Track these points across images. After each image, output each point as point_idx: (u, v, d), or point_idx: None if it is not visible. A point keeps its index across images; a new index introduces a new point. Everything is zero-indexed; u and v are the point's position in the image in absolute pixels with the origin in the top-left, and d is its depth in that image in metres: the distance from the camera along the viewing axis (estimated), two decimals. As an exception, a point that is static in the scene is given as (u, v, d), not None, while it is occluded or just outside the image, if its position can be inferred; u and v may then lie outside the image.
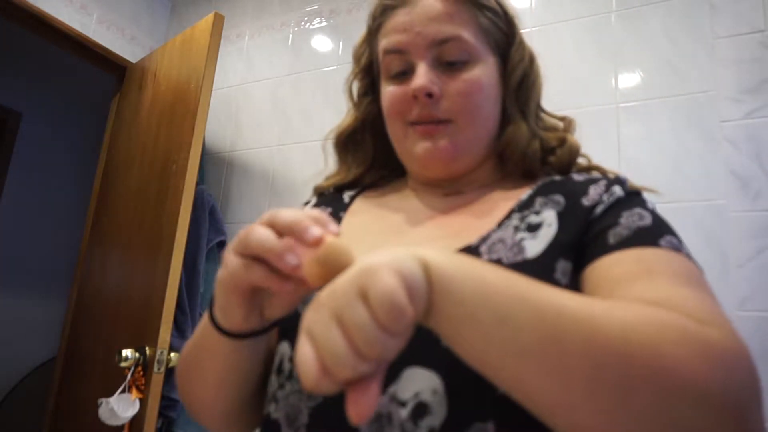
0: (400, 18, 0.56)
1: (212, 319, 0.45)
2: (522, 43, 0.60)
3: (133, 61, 2.13)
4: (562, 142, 0.58)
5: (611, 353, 0.30)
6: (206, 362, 0.49)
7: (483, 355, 0.32)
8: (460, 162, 0.56)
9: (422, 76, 0.53)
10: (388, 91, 0.58)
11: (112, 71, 2.15)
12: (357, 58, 0.66)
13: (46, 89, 3.01)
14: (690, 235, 1.42)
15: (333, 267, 0.33)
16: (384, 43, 0.58)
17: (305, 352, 0.28)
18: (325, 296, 0.29)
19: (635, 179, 0.55)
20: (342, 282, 0.29)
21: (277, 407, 0.49)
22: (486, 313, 0.31)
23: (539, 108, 0.62)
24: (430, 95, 0.54)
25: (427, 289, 0.31)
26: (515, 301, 0.31)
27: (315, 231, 0.35)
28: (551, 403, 0.31)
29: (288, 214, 0.37)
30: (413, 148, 0.56)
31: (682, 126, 1.41)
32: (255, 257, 0.37)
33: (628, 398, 0.30)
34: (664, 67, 1.47)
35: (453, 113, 0.54)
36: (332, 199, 0.65)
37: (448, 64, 0.55)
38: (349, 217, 0.61)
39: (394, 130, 0.59)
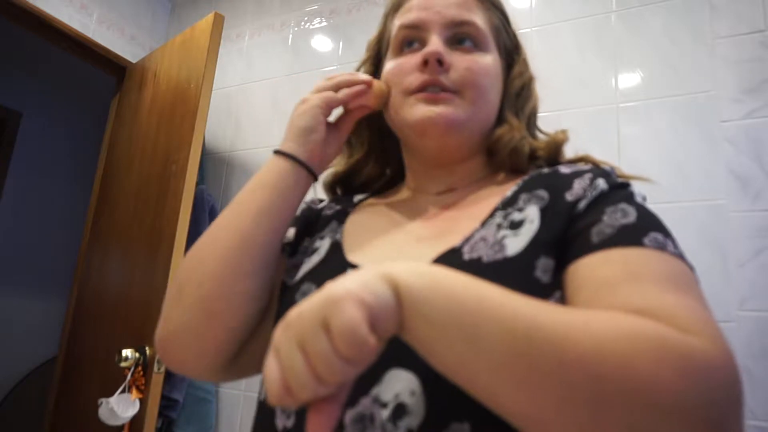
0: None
1: (288, 155, 0.57)
2: (526, 61, 0.64)
3: (133, 61, 2.13)
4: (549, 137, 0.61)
5: (583, 371, 0.30)
6: (257, 201, 0.56)
7: (455, 370, 0.32)
8: (456, 135, 0.56)
9: (435, 43, 0.56)
10: (393, 63, 0.60)
11: (112, 71, 2.15)
12: (369, 47, 0.68)
13: (46, 89, 3.01)
14: (690, 235, 1.42)
15: (387, 92, 0.59)
16: (402, 19, 0.60)
17: (272, 370, 0.30)
18: (293, 318, 0.31)
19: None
20: (308, 307, 0.31)
21: None
22: (456, 332, 0.31)
23: (533, 122, 0.63)
24: (440, 62, 0.55)
25: (397, 310, 0.32)
26: (486, 319, 0.32)
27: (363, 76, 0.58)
28: (524, 417, 0.32)
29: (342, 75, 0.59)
30: (412, 114, 0.56)
31: (682, 126, 1.41)
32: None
33: (600, 415, 0.30)
34: (664, 67, 1.47)
35: (460, 85, 0.56)
36: (343, 200, 0.67)
37: (460, 48, 0.58)
38: (353, 216, 0.63)
39: (394, 100, 0.59)
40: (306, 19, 2.10)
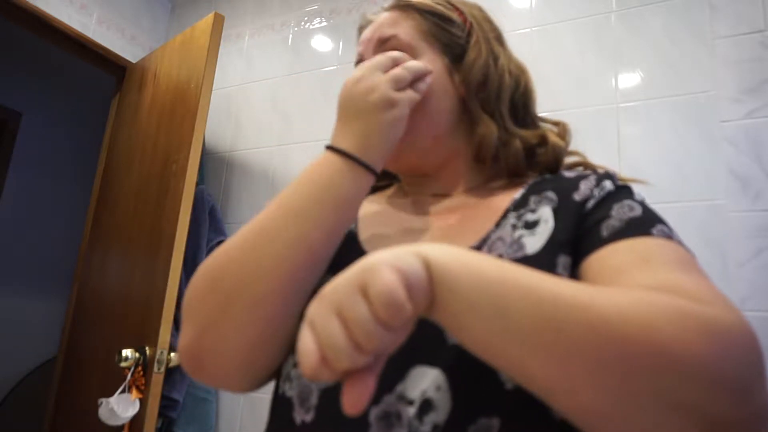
0: (363, 33, 0.64)
1: (359, 161, 0.48)
2: (478, 43, 0.60)
3: (133, 61, 2.13)
4: (543, 140, 0.59)
5: (609, 335, 0.31)
6: (325, 211, 0.47)
7: (485, 344, 0.33)
8: (403, 153, 0.57)
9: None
10: None
11: (112, 71, 2.15)
12: None
13: (46, 89, 3.01)
14: (690, 235, 1.42)
15: None
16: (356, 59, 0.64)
17: (306, 342, 0.30)
18: (327, 291, 0.31)
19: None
20: (344, 278, 0.31)
21: (291, 386, 0.50)
22: (485, 303, 0.32)
23: (517, 108, 0.61)
24: None
25: (428, 284, 0.32)
26: (513, 290, 0.32)
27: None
28: (553, 387, 0.32)
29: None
30: None
31: (682, 126, 1.41)
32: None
33: (628, 379, 0.30)
34: (664, 67, 1.47)
35: None
36: None
37: None
38: (364, 209, 0.63)
39: None
40: (306, 19, 2.10)
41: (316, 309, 0.30)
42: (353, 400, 0.29)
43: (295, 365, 0.50)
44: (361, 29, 0.65)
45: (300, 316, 0.48)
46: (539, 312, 0.31)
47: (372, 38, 0.61)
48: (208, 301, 0.46)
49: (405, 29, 0.60)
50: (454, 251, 0.34)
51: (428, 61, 0.58)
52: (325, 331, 0.29)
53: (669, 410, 0.30)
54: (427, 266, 0.32)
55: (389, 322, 0.29)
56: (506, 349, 0.32)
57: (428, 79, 0.54)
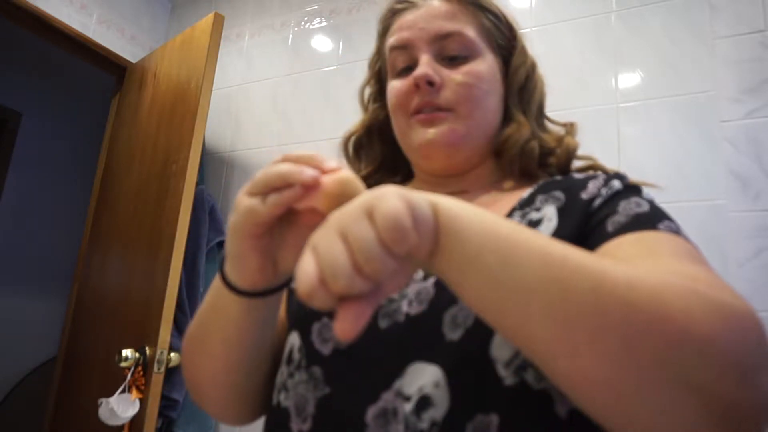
0: (405, 18, 0.59)
1: (224, 278, 0.43)
2: (524, 49, 0.62)
3: (133, 61, 2.13)
4: (560, 142, 0.59)
5: (616, 299, 0.30)
6: (215, 327, 0.47)
7: (486, 298, 0.32)
8: (460, 151, 0.57)
9: (424, 65, 0.56)
10: (392, 86, 0.60)
11: (112, 71, 2.15)
12: (370, 66, 0.68)
13: (46, 89, 3.01)
14: (690, 235, 1.41)
15: (349, 191, 0.34)
16: (390, 41, 0.60)
17: (307, 262, 0.29)
18: (334, 216, 0.30)
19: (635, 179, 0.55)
20: (351, 204, 0.30)
21: (287, 396, 0.49)
22: (491, 255, 0.31)
23: (541, 113, 0.63)
24: (431, 83, 0.55)
25: (434, 226, 0.31)
26: (521, 245, 0.32)
27: (333, 162, 0.37)
28: (553, 349, 0.31)
29: (302, 151, 0.38)
30: (415, 138, 0.57)
31: (682, 126, 1.41)
32: (272, 190, 0.37)
33: (631, 347, 0.29)
34: (664, 67, 1.47)
35: (453, 102, 0.56)
36: None
37: (450, 59, 0.57)
38: None
39: (398, 123, 0.60)
40: (306, 19, 2.10)
41: (320, 232, 0.30)
42: (346, 326, 0.28)
43: (291, 375, 0.50)
44: (395, 12, 0.61)
45: (257, 366, 0.52)
46: (546, 270, 0.31)
47: (427, 29, 0.57)
48: (187, 367, 0.53)
49: (467, 26, 0.58)
50: (465, 204, 0.33)
51: (489, 62, 0.58)
52: (327, 250, 0.28)
53: (675, 387, 0.29)
54: (435, 211, 0.32)
55: (392, 246, 0.28)
56: (507, 304, 0.31)
57: (282, 197, 0.37)
